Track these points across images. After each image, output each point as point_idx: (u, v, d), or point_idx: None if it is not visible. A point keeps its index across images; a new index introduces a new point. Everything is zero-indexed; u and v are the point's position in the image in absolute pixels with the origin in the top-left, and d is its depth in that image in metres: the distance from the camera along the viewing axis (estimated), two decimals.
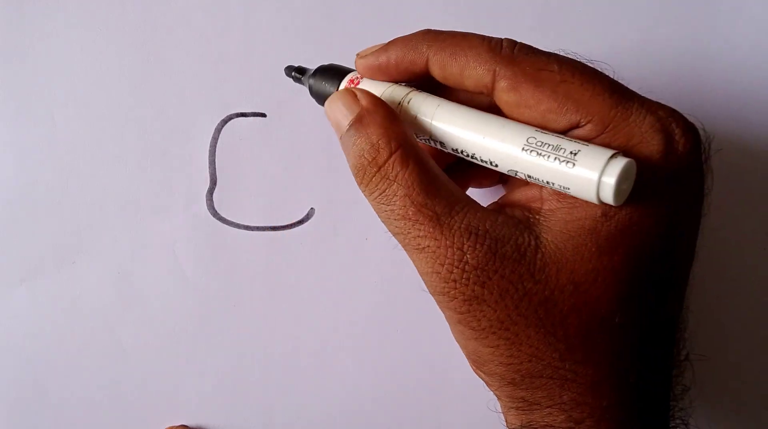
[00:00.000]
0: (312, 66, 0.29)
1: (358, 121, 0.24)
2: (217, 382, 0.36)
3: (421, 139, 0.25)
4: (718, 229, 0.36)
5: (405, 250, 0.23)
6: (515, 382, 0.23)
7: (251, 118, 0.36)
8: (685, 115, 0.22)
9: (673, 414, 0.25)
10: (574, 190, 0.20)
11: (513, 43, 0.23)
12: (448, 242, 0.22)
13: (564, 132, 0.22)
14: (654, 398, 0.23)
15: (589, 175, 0.20)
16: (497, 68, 0.23)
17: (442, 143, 0.24)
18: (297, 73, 0.30)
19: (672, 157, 0.21)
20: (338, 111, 0.25)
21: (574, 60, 0.23)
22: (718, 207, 0.35)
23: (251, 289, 0.36)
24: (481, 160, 0.23)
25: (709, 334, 0.36)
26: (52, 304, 0.36)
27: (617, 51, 0.35)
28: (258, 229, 0.36)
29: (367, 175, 0.23)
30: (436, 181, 0.23)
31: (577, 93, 0.22)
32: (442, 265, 0.22)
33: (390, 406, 0.36)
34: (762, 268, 0.36)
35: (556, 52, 0.24)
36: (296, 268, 0.36)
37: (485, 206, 0.24)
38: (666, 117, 0.21)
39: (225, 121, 0.36)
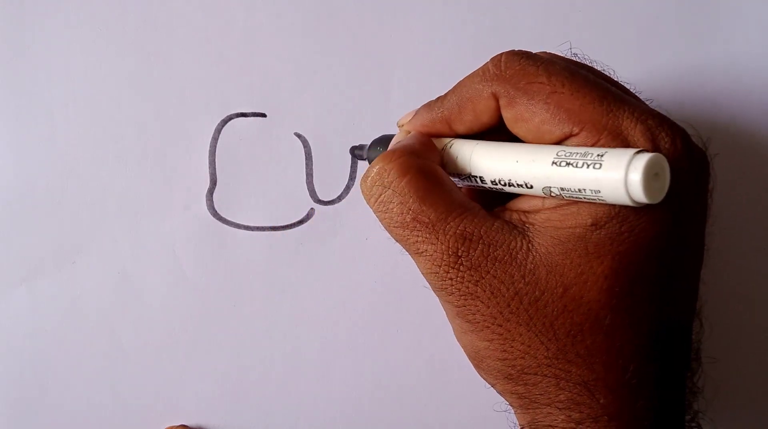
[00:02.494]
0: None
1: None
2: (217, 382, 0.36)
3: (463, 182, 0.26)
4: (719, 233, 0.36)
5: (407, 252, 0.25)
6: (511, 378, 0.24)
7: (251, 118, 0.36)
8: (676, 121, 0.22)
9: (688, 417, 0.25)
10: (606, 194, 0.21)
11: (498, 58, 0.24)
12: (443, 247, 0.23)
13: (559, 142, 0.23)
14: (665, 402, 0.23)
15: (616, 174, 0.20)
16: (493, 89, 0.24)
17: (481, 179, 0.25)
18: (357, 150, 0.35)
19: None
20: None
21: (563, 67, 0.23)
22: (720, 209, 0.35)
23: (251, 289, 0.36)
24: (517, 185, 0.23)
25: (717, 337, 0.36)
26: (52, 304, 0.36)
27: (617, 52, 0.35)
28: (258, 229, 0.36)
29: (369, 181, 0.25)
30: (434, 190, 0.24)
31: (568, 102, 0.22)
32: (439, 267, 0.23)
33: (390, 406, 0.36)
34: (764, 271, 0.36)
35: (545, 51, 0.24)
36: (296, 268, 0.36)
37: (490, 211, 0.24)
38: (655, 126, 0.22)
39: (225, 121, 0.36)
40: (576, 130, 0.22)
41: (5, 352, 0.36)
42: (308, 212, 0.36)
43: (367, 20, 0.35)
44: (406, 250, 0.25)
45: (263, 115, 0.36)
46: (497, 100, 0.24)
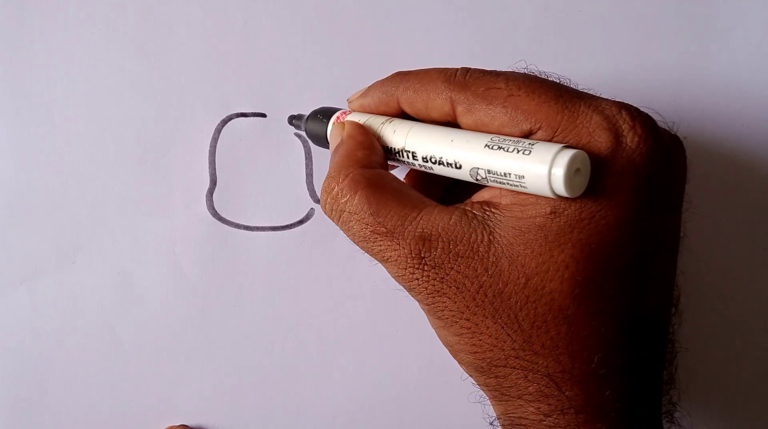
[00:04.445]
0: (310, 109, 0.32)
1: (331, 154, 0.28)
2: (217, 382, 0.36)
3: (395, 159, 0.27)
4: (718, 235, 0.36)
5: (377, 261, 0.26)
6: (482, 370, 0.24)
7: (251, 118, 0.36)
8: (639, 107, 0.23)
9: (663, 409, 0.25)
10: (530, 184, 0.21)
11: (466, 70, 0.25)
12: (405, 251, 0.24)
13: None
14: (638, 392, 0.23)
15: (540, 167, 0.21)
16: (453, 95, 0.25)
17: (414, 155, 0.26)
18: (296, 119, 0.34)
19: (621, 152, 0.22)
20: (331, 145, 0.29)
21: (522, 74, 0.24)
22: (720, 211, 0.36)
23: (251, 289, 0.36)
24: (447, 164, 0.24)
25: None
26: (52, 304, 0.36)
27: (617, 52, 0.35)
28: (258, 229, 0.36)
29: (327, 205, 0.26)
30: (386, 199, 0.25)
31: (525, 104, 0.23)
32: (405, 269, 0.24)
33: (390, 406, 0.36)
34: (755, 269, 0.36)
35: (511, 70, 0.25)
36: (296, 268, 0.36)
37: (449, 206, 0.25)
38: (613, 114, 0.22)
39: (225, 121, 0.36)
40: (534, 128, 0.23)
41: (5, 352, 0.36)
42: (308, 212, 0.36)
43: (367, 20, 0.35)
44: (375, 259, 0.25)
45: (263, 115, 0.36)
46: (453, 106, 0.25)
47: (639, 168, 0.22)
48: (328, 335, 0.36)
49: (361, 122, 0.28)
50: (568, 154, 0.20)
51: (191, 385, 0.36)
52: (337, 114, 0.30)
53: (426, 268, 0.24)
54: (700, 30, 0.35)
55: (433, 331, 0.26)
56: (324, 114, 0.31)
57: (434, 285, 0.24)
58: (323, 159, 0.36)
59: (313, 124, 0.31)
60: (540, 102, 0.23)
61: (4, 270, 0.35)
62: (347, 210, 0.25)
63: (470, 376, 0.26)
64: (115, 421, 0.36)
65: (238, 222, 0.36)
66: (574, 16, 0.35)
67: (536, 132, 0.23)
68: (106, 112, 0.35)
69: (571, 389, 0.22)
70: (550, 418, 0.23)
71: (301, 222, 0.36)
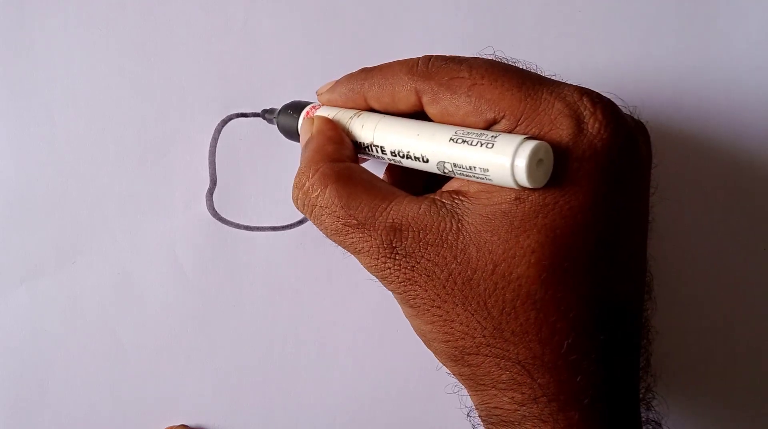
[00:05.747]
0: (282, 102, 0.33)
1: (302, 150, 0.28)
2: (217, 382, 0.36)
3: (365, 153, 0.27)
4: (716, 234, 0.36)
5: (350, 253, 0.26)
6: (455, 359, 0.24)
7: (251, 118, 0.36)
8: (600, 92, 0.23)
9: (640, 396, 0.25)
10: (494, 176, 0.22)
11: (428, 59, 0.25)
12: (377, 242, 0.24)
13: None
14: (612, 377, 0.23)
15: (503, 160, 0.21)
16: (417, 86, 0.25)
17: (382, 149, 0.26)
18: (268, 113, 0.34)
19: (583, 138, 0.22)
20: (301, 140, 0.29)
21: (486, 61, 0.24)
22: (720, 212, 0.36)
23: (251, 289, 0.36)
24: (414, 158, 0.25)
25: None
26: (52, 304, 0.36)
27: (617, 52, 0.35)
28: (258, 229, 0.36)
29: (299, 200, 0.26)
30: (356, 191, 0.25)
31: (488, 92, 0.23)
32: (377, 259, 0.24)
33: (390, 406, 0.36)
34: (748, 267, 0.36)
35: (478, 55, 0.25)
36: (296, 268, 0.36)
37: (419, 196, 0.25)
38: (574, 101, 0.22)
39: (225, 121, 0.36)
40: (498, 117, 0.23)
41: (5, 352, 0.36)
42: None
43: (367, 20, 0.35)
44: (348, 252, 0.26)
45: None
46: (419, 96, 0.25)
47: (601, 153, 0.22)
48: (328, 335, 0.36)
49: (330, 117, 0.28)
50: (530, 145, 0.21)
51: (191, 385, 0.36)
52: (307, 109, 0.31)
53: (397, 257, 0.24)
54: (700, 30, 0.35)
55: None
56: (294, 108, 0.31)
57: (405, 273, 0.24)
58: None
59: (284, 119, 0.32)
60: (503, 90, 0.23)
61: (4, 270, 0.35)
62: (318, 204, 0.25)
63: (445, 365, 0.26)
64: (115, 421, 0.36)
65: (238, 222, 0.36)
66: (573, 16, 0.35)
67: (500, 121, 0.23)
68: (106, 112, 0.35)
69: (542, 376, 0.22)
70: (524, 408, 0.23)
71: (301, 222, 0.36)
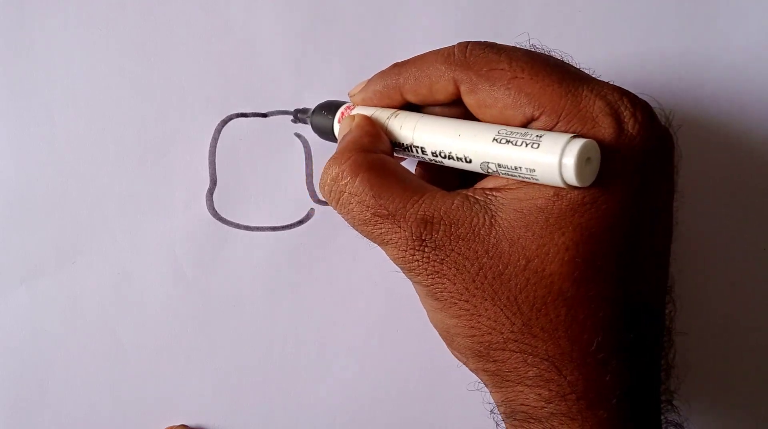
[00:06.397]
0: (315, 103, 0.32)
1: (338, 143, 0.27)
2: (217, 382, 0.36)
3: (405, 153, 0.27)
4: (716, 234, 0.36)
5: (376, 244, 0.25)
6: (481, 355, 0.24)
7: (251, 118, 0.36)
8: (638, 95, 0.23)
9: (662, 397, 0.25)
10: (541, 176, 0.21)
11: (464, 46, 0.25)
12: (407, 233, 0.24)
13: (522, 126, 0.23)
14: (637, 377, 0.23)
15: (551, 158, 0.21)
16: (456, 75, 0.24)
17: (423, 150, 0.26)
18: (301, 113, 0.34)
19: (623, 138, 0.22)
20: (339, 136, 0.29)
21: (525, 52, 0.24)
22: (720, 209, 0.36)
23: (251, 289, 0.36)
24: (456, 158, 0.24)
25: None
26: (52, 304, 0.36)
27: (617, 52, 0.35)
28: (258, 229, 0.36)
29: (326, 186, 0.26)
30: (388, 182, 0.25)
31: (528, 86, 0.23)
32: (405, 251, 0.24)
33: (390, 406, 0.36)
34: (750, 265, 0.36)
35: (516, 45, 0.25)
36: (296, 268, 0.36)
37: (452, 192, 0.25)
38: (615, 101, 0.22)
39: (225, 121, 0.36)
40: (537, 113, 0.23)
41: (5, 352, 0.36)
42: (308, 212, 0.36)
43: (367, 20, 0.35)
44: (374, 243, 0.25)
45: (263, 115, 0.36)
46: (456, 85, 0.24)
47: (638, 154, 0.22)
48: (328, 335, 0.36)
49: (369, 115, 0.28)
50: (578, 143, 0.21)
51: (191, 385, 0.36)
52: (342, 109, 0.30)
53: (426, 249, 0.23)
54: (700, 30, 0.35)
55: (430, 323, 0.26)
56: (328, 108, 0.31)
57: (434, 266, 0.24)
58: (323, 159, 0.35)
59: (318, 119, 0.32)
60: (543, 85, 0.23)
61: (4, 270, 0.35)
62: (348, 191, 0.25)
63: (466, 363, 0.26)
64: (115, 421, 0.36)
65: (238, 222, 0.36)
66: (573, 16, 0.35)
67: (539, 117, 0.23)
68: (106, 112, 0.35)
69: (571, 373, 0.22)
70: (551, 405, 0.23)
71: (301, 222, 0.36)
